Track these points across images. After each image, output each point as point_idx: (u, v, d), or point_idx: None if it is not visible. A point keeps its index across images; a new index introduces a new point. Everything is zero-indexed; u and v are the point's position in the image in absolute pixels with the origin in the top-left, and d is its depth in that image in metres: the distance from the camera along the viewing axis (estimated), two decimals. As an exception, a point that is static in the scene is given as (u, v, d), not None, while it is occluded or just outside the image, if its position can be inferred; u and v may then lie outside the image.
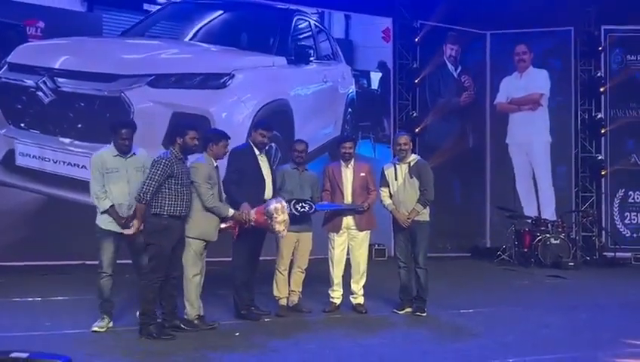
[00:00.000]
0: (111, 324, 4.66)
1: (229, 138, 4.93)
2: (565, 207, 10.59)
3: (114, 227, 4.57)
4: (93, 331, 4.53)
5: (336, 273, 5.55)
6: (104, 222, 4.59)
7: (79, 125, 8.57)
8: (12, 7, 8.51)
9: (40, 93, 8.45)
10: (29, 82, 8.43)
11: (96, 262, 4.64)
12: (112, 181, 4.57)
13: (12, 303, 5.76)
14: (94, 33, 8.94)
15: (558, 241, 9.34)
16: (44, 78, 8.40)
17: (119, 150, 4.61)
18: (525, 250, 9.51)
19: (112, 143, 4.64)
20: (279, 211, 4.71)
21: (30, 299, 5.90)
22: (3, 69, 8.37)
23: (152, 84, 8.75)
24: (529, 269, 8.99)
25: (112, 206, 4.55)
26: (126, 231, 4.53)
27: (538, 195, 10.96)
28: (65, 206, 8.33)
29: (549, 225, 9.66)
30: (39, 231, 8.29)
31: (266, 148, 5.33)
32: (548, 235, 9.39)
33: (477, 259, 10.28)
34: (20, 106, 8.46)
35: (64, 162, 8.45)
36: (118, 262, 4.65)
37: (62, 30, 8.69)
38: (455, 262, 9.98)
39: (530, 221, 9.89)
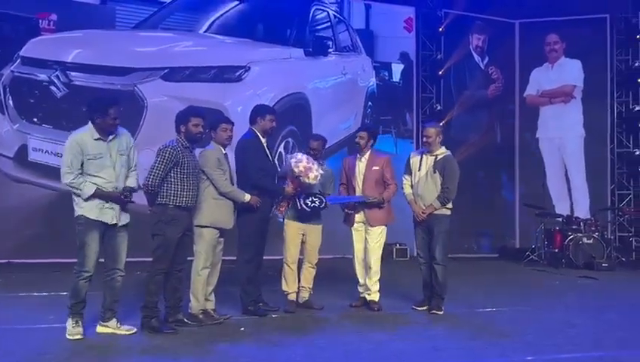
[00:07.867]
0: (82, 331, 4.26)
1: (230, 122, 4.96)
2: (600, 205, 10.33)
3: (107, 218, 4.28)
4: (69, 338, 4.18)
5: (359, 270, 5.58)
6: (93, 211, 4.23)
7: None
8: (24, 0, 8.70)
9: (53, 88, 8.61)
10: (42, 76, 8.61)
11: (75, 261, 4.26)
12: (96, 169, 4.23)
13: (18, 298, 5.86)
14: (107, 26, 9.09)
15: (591, 241, 9.11)
16: (56, 72, 8.56)
17: (104, 132, 4.25)
18: (556, 250, 9.31)
19: (89, 124, 4.26)
20: (301, 166, 4.98)
21: (36, 294, 6.00)
22: (16, 63, 8.56)
23: (165, 78, 8.84)
24: (559, 270, 8.79)
25: (98, 188, 4.22)
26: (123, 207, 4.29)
27: (571, 193, 10.76)
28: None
29: (582, 223, 9.42)
30: (52, 228, 8.41)
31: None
32: (580, 235, 9.17)
33: (505, 260, 10.16)
34: (32, 101, 8.64)
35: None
36: (128, 259, 4.45)
37: (75, 23, 8.84)
38: (481, 263, 9.89)
39: (560, 219, 9.66)
